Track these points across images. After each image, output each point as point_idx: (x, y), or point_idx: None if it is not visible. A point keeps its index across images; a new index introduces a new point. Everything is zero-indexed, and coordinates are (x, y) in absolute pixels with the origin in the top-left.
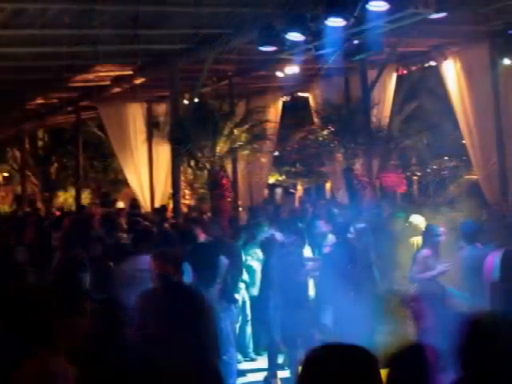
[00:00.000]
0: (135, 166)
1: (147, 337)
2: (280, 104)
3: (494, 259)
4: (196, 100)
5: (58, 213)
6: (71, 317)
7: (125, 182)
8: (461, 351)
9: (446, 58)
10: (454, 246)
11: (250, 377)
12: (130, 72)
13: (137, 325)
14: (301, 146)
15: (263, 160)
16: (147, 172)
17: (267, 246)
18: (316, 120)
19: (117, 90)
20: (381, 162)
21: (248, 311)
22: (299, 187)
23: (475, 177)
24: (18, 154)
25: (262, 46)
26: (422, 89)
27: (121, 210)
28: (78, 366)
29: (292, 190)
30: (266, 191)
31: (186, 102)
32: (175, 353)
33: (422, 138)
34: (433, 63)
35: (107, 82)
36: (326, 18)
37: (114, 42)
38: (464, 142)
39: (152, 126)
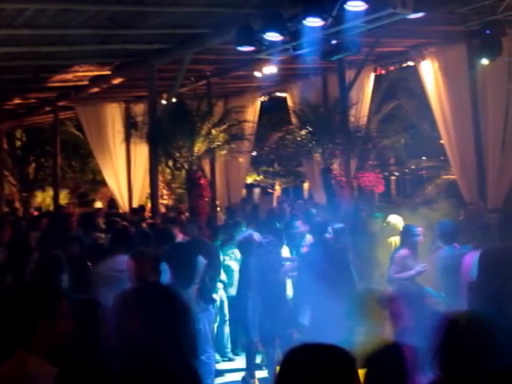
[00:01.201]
0: (113, 166)
1: (125, 337)
2: (258, 104)
3: (472, 259)
4: (174, 100)
5: (35, 212)
6: (49, 317)
7: (103, 182)
8: (438, 351)
9: (423, 58)
10: (432, 246)
11: (228, 377)
12: (108, 72)
13: (114, 325)
14: (279, 146)
15: (241, 160)
16: (125, 172)
17: (245, 245)
18: (294, 120)
19: (95, 90)
20: (359, 161)
21: (226, 311)
22: (277, 187)
23: (453, 177)
24: None
25: (239, 46)
26: (400, 89)
27: (99, 209)
28: (57, 366)
29: (270, 190)
30: (243, 191)
31: (163, 102)
32: (153, 353)
33: (400, 138)
34: (411, 63)
35: (85, 82)
36: (303, 18)
37: (91, 41)
38: (442, 141)
39: (130, 126)
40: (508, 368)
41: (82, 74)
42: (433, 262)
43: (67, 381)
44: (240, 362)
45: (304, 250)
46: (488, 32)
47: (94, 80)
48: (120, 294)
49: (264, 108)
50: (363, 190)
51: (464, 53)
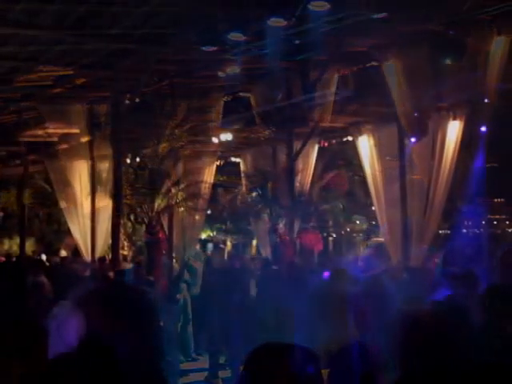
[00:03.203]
0: (78, 218)
1: (89, 338)
2: (214, 166)
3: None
4: (137, 100)
5: (2, 258)
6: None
7: (67, 232)
8: (401, 350)
9: (361, 134)
10: None
11: (192, 377)
12: (71, 72)
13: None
14: (231, 206)
15: (197, 217)
16: (89, 224)
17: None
18: (244, 183)
19: (58, 90)
20: (301, 222)
21: (189, 311)
22: (228, 243)
23: (381, 239)
24: None
25: (203, 46)
26: (340, 159)
27: (64, 258)
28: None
29: (222, 246)
30: (198, 245)
31: (127, 101)
32: (120, 354)
33: (338, 203)
34: (350, 138)
35: (49, 82)
36: (267, 19)
37: (54, 42)
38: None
39: (93, 126)
40: (470, 367)
41: (46, 74)
42: None
43: (30, 382)
44: (203, 361)
45: None
46: (451, 32)
47: (57, 80)
48: (85, 294)
49: (219, 169)
50: (304, 248)
51: (395, 133)
